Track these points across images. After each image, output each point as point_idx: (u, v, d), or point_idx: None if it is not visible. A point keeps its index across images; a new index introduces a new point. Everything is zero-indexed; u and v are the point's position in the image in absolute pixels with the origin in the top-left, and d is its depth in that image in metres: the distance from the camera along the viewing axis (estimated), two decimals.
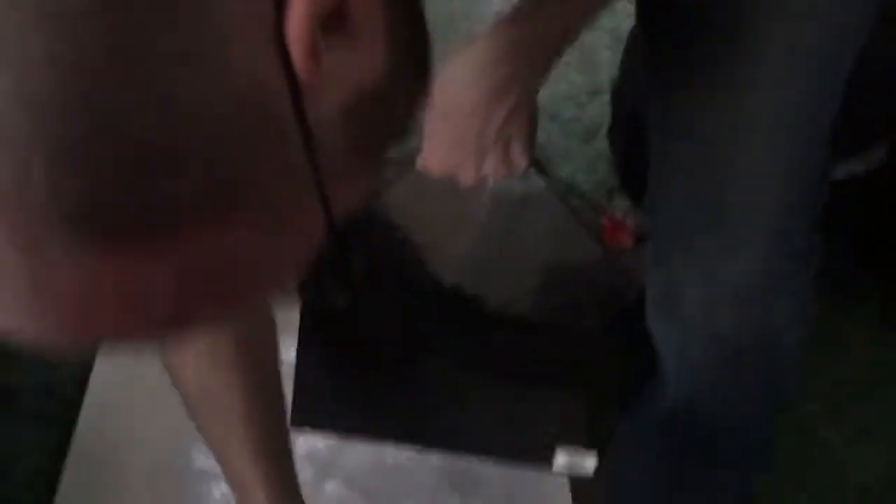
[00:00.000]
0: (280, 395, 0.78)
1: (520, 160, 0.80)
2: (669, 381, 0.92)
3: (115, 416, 1.19)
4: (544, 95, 1.87)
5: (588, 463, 1.10)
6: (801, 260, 0.86)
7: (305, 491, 0.80)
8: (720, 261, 0.83)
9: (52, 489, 1.13)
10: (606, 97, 1.71)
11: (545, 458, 1.10)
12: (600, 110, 1.73)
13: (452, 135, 0.77)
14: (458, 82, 0.75)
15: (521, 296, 0.98)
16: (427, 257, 1.02)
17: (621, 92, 1.57)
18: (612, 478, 1.08)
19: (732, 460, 0.97)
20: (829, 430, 1.33)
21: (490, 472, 1.11)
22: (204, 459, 1.14)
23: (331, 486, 1.10)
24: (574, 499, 1.15)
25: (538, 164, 0.87)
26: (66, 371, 1.26)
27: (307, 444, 1.10)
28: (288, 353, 0.97)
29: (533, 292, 0.99)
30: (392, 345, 1.02)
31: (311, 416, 1.09)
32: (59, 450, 1.17)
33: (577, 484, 1.21)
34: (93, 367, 1.23)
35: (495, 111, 0.75)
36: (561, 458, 1.10)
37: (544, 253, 1.04)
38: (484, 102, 0.75)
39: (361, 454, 1.11)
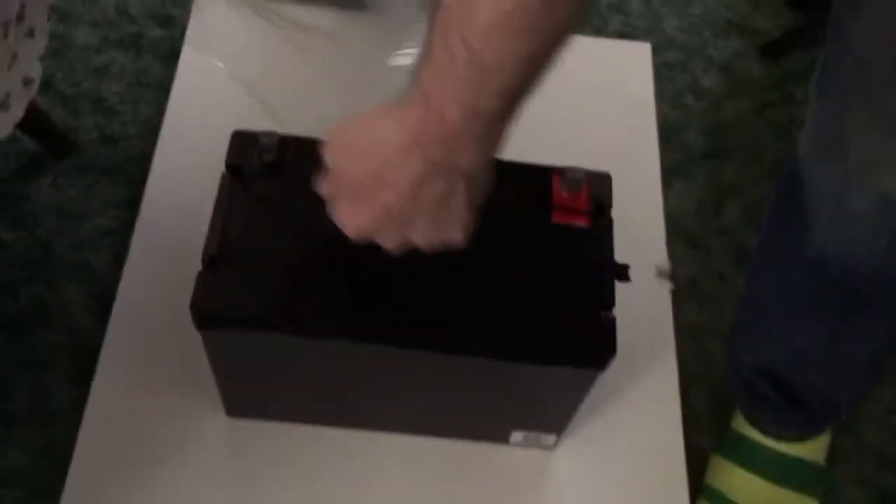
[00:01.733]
0: None
1: (455, 234, 0.68)
2: (818, 225, 0.85)
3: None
4: None
5: (546, 440, 0.98)
6: None
7: None
8: None
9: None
10: None
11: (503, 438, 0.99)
12: None
13: (374, 207, 0.66)
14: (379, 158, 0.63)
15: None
16: None
17: None
18: (750, 299, 1.00)
19: (879, 310, 0.89)
20: None
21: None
22: None
23: None
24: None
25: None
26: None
27: None
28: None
29: None
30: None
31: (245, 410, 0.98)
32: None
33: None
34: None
35: (421, 195, 0.64)
36: (517, 437, 0.98)
37: None
38: (408, 187, 0.64)
39: None
